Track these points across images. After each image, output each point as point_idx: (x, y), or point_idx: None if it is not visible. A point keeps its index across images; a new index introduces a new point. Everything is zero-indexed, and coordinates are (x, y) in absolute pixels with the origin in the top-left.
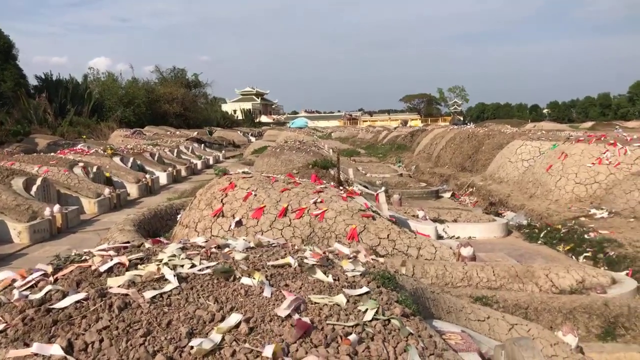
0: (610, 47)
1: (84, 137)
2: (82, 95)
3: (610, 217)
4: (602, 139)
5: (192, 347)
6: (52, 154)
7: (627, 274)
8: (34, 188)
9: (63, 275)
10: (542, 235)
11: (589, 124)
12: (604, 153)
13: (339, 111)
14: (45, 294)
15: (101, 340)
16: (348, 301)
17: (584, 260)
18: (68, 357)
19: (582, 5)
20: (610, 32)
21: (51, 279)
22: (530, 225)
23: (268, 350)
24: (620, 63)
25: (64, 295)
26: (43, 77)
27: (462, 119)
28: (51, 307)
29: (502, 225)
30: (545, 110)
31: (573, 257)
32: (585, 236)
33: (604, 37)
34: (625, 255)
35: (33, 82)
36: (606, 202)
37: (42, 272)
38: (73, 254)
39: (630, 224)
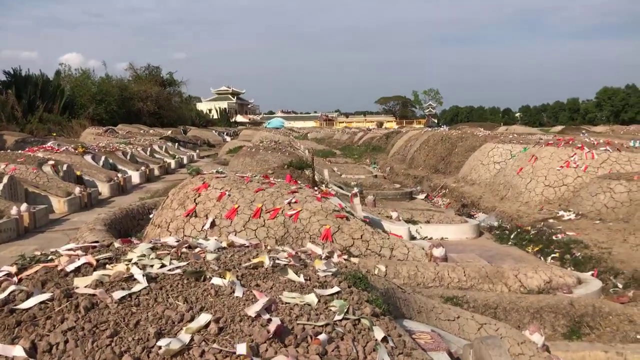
0: (581, 52)
1: (54, 134)
2: (53, 91)
3: (577, 219)
4: (570, 142)
5: (160, 348)
6: (20, 151)
7: (592, 275)
8: (0, 186)
9: (28, 275)
10: (512, 236)
11: (559, 128)
12: (572, 156)
13: (315, 112)
14: (9, 294)
15: (66, 342)
16: (319, 301)
17: (552, 261)
18: (31, 358)
19: (556, 11)
20: (582, 38)
21: (15, 279)
22: (501, 227)
23: (241, 348)
24: (590, 69)
25: (28, 295)
26: (12, 72)
27: (436, 121)
28: (15, 307)
29: (473, 227)
30: (517, 114)
31: (541, 257)
32: (554, 237)
33: (576, 43)
34: (590, 256)
35: (1, 77)
36: (573, 204)
37: (6, 272)
38: (39, 253)
39: (596, 226)
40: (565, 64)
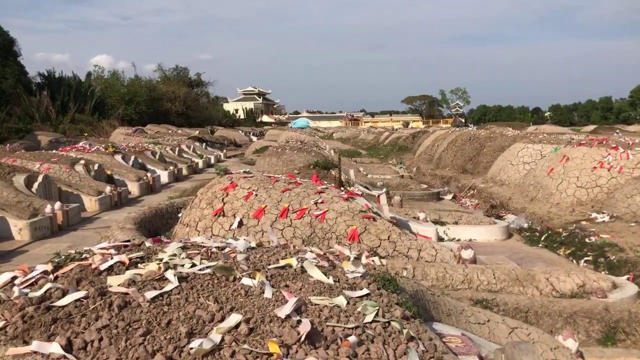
0: (613, 50)
1: (86, 134)
2: (84, 93)
3: (611, 221)
4: (604, 142)
5: (191, 348)
6: (53, 151)
7: (628, 279)
8: (35, 185)
9: (63, 273)
10: (542, 238)
11: (591, 127)
12: (606, 157)
13: (340, 112)
14: (45, 291)
15: (100, 339)
16: (348, 303)
17: (585, 264)
18: (67, 355)
19: (588, 9)
20: (614, 36)
21: (51, 276)
22: (531, 229)
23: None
24: (623, 67)
25: (64, 293)
26: (45, 74)
27: (463, 121)
28: (51, 305)
29: (502, 228)
30: (547, 114)
31: (574, 261)
32: (587, 240)
33: (608, 40)
34: (626, 259)
35: (36, 79)
36: (607, 206)
37: (42, 270)
38: (73, 252)
39: (631, 229)
40: (598, 62)
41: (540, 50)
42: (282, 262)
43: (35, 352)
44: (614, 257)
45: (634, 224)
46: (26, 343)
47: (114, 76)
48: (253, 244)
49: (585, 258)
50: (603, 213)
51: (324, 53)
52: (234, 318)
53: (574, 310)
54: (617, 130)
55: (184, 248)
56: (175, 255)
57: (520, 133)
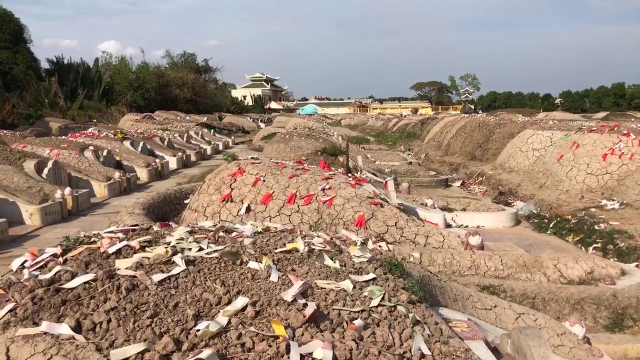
0: (627, 35)
1: (95, 120)
2: (93, 79)
3: (621, 209)
4: (615, 129)
5: (198, 330)
6: (63, 137)
7: (637, 266)
8: (46, 171)
9: (72, 257)
10: (551, 225)
11: (603, 114)
12: (617, 143)
13: (348, 98)
14: (55, 274)
15: (109, 321)
16: (354, 287)
17: (593, 251)
18: (76, 335)
19: None
20: (627, 20)
21: (60, 259)
22: (540, 215)
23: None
24: (637, 52)
25: (73, 275)
26: (55, 60)
27: (473, 107)
28: (60, 287)
29: (511, 215)
30: (557, 100)
31: (582, 247)
32: (595, 227)
33: (621, 25)
34: (635, 246)
35: (45, 65)
36: (617, 193)
37: (52, 253)
38: (82, 235)
39: None
40: (610, 48)
41: (551, 35)
42: (288, 246)
43: (44, 333)
44: (623, 244)
45: None
46: (36, 324)
47: (122, 62)
48: (260, 229)
49: (594, 245)
50: (613, 200)
51: (332, 39)
52: (241, 301)
53: (582, 296)
54: (633, 119)
55: (191, 232)
56: (182, 239)
57: (530, 120)
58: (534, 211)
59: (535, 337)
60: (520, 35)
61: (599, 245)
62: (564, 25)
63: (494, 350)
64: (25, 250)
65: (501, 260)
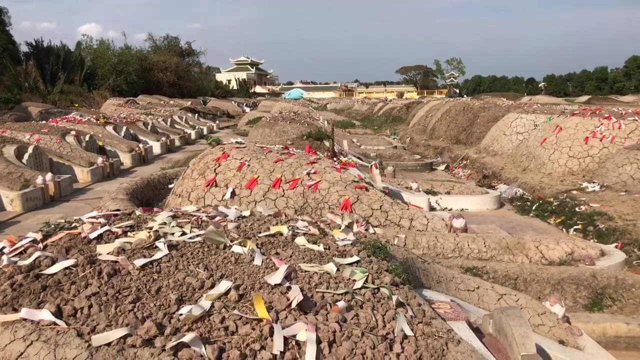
0: (609, 20)
1: (77, 105)
2: (74, 62)
3: (601, 191)
4: (597, 112)
5: (181, 314)
6: (44, 122)
7: (616, 247)
8: (26, 156)
9: (52, 242)
10: (534, 207)
11: (585, 97)
12: (598, 127)
13: (334, 82)
14: (35, 260)
15: (90, 306)
16: (338, 269)
17: (575, 232)
18: (57, 321)
19: None
20: (610, 5)
21: (40, 245)
22: (523, 198)
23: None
24: (619, 37)
25: (53, 261)
26: (34, 43)
27: (458, 91)
28: (40, 273)
29: (494, 198)
30: (541, 84)
31: (564, 229)
32: (577, 209)
33: (604, 10)
34: (615, 228)
35: (24, 49)
36: (598, 176)
37: (32, 239)
38: (63, 221)
39: (621, 198)
40: (594, 32)
41: (535, 20)
42: (272, 230)
43: (24, 319)
44: (603, 225)
45: (623, 193)
46: (15, 310)
47: (103, 45)
48: (245, 213)
49: (575, 227)
50: (594, 182)
51: (318, 23)
52: (224, 285)
53: (562, 277)
54: (615, 106)
55: (174, 217)
56: (165, 223)
57: (514, 103)
58: (517, 194)
59: (516, 317)
60: (505, 20)
61: (579, 227)
62: (548, 9)
63: (476, 330)
64: (6, 236)
65: (484, 243)
